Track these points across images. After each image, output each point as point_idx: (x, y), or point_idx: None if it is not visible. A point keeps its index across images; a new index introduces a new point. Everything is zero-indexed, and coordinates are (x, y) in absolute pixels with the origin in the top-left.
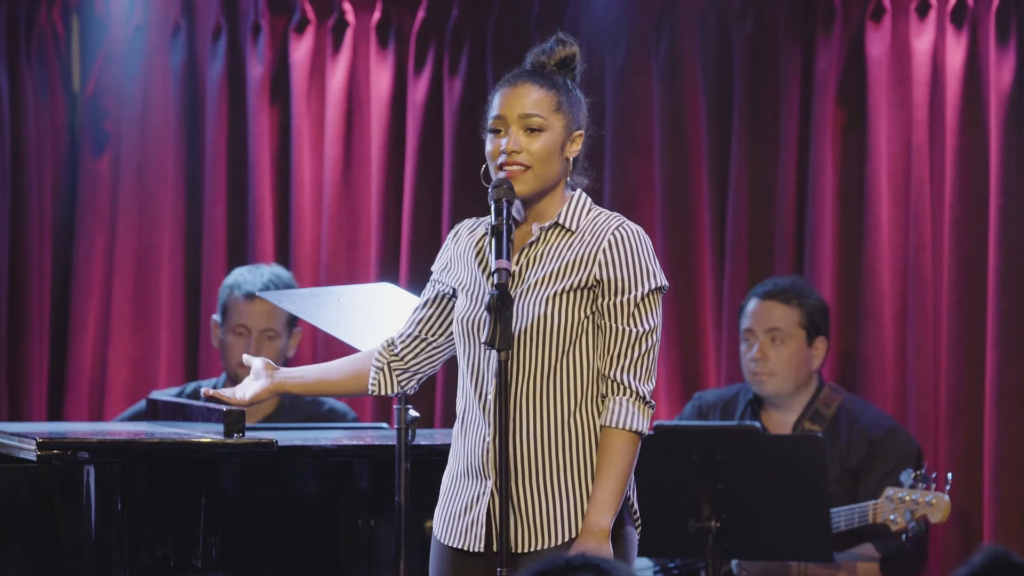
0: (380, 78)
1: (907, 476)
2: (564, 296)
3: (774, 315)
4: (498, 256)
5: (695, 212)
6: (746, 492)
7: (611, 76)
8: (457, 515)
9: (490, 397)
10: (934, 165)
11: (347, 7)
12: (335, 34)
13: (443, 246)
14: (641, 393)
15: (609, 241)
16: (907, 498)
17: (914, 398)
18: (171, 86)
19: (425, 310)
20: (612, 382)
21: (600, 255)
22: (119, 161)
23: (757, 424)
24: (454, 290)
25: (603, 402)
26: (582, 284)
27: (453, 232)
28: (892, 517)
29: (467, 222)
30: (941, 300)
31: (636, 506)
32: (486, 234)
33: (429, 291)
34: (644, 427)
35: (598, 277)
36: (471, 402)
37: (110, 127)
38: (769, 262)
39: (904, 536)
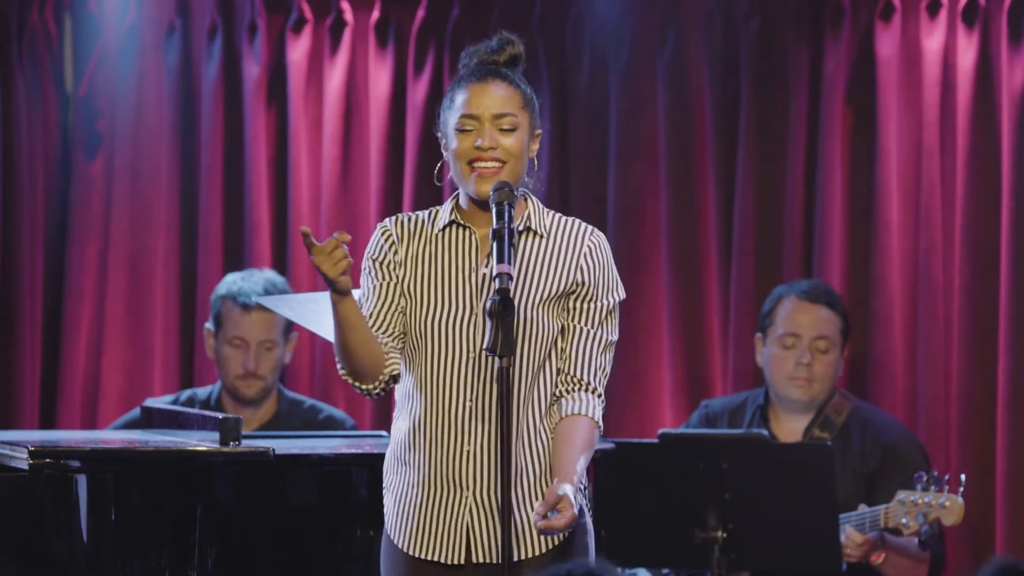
0: (379, 79)
1: (918, 478)
2: (547, 304)
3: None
4: (500, 260)
5: (701, 216)
6: (753, 502)
7: (615, 78)
8: (426, 526)
9: (469, 405)
10: (945, 167)
11: (345, 6)
12: (333, 34)
13: (377, 241)
14: (603, 397)
15: (589, 247)
16: (919, 501)
17: (924, 405)
18: (166, 87)
19: (396, 305)
20: (580, 382)
21: (582, 260)
22: (113, 163)
23: (764, 432)
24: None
25: (560, 398)
26: (562, 290)
27: (384, 233)
28: (904, 521)
29: (399, 219)
30: (952, 305)
31: (591, 508)
32: (440, 232)
33: (388, 286)
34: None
35: (578, 281)
36: (436, 411)
37: (103, 129)
38: (777, 267)
39: (918, 540)
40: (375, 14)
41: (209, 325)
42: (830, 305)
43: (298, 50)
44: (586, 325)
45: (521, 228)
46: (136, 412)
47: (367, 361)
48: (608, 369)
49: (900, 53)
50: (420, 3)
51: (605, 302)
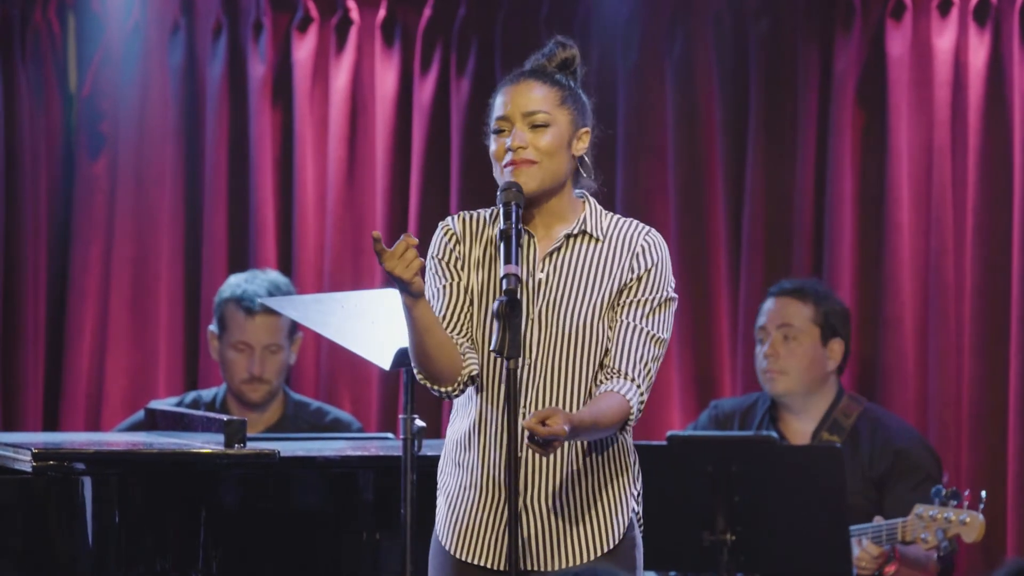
0: (385, 78)
1: (936, 492)
2: (603, 309)
3: (787, 311)
4: (507, 261)
5: (710, 217)
6: (762, 504)
7: (623, 77)
8: (475, 530)
9: (522, 411)
10: (956, 167)
11: (351, 5)
12: (339, 33)
13: (440, 240)
14: (643, 400)
15: (642, 246)
16: (939, 516)
17: (936, 408)
18: (170, 87)
19: (465, 305)
20: (619, 371)
21: (634, 260)
22: (116, 164)
23: (774, 434)
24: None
25: (599, 383)
26: (617, 292)
27: (447, 232)
28: (923, 536)
29: (461, 217)
30: (964, 307)
31: (642, 515)
32: (499, 234)
33: (456, 286)
34: (630, 427)
35: (628, 279)
36: (491, 415)
37: (107, 129)
38: (786, 268)
39: (937, 555)
40: (381, 13)
41: (213, 328)
42: (799, 297)
43: (304, 49)
44: (629, 319)
45: (576, 232)
46: (141, 414)
47: (445, 363)
48: (651, 364)
49: (911, 52)
50: (427, 2)
51: (651, 297)
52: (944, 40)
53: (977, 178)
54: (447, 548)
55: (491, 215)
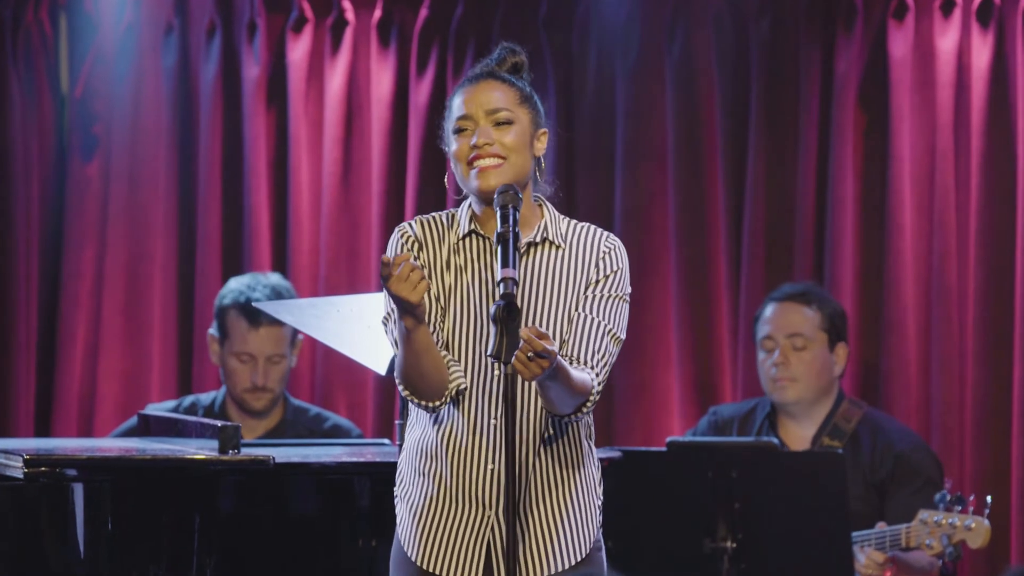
0: (381, 79)
1: (941, 498)
2: (569, 317)
3: (795, 319)
4: (504, 265)
5: (710, 220)
6: (763, 511)
7: (623, 78)
8: (445, 542)
9: (494, 423)
10: (959, 170)
11: (347, 5)
12: (334, 33)
13: (399, 245)
14: (599, 392)
15: (605, 250)
16: (943, 521)
17: (939, 413)
18: (164, 88)
19: (434, 315)
20: (577, 360)
21: (598, 263)
22: (109, 166)
23: (775, 440)
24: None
25: None
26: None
27: (405, 236)
28: (928, 542)
29: (419, 221)
30: (967, 311)
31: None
32: (461, 241)
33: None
34: (582, 413)
35: (593, 280)
36: (461, 426)
37: (100, 131)
38: (787, 272)
39: (941, 561)
40: (377, 13)
41: (213, 331)
42: (805, 303)
43: (298, 50)
44: (588, 312)
45: (538, 239)
46: (134, 420)
47: (435, 380)
48: (608, 359)
49: (913, 53)
50: (423, 2)
51: (609, 294)
52: (947, 41)
53: (980, 181)
54: (412, 558)
55: (447, 218)
